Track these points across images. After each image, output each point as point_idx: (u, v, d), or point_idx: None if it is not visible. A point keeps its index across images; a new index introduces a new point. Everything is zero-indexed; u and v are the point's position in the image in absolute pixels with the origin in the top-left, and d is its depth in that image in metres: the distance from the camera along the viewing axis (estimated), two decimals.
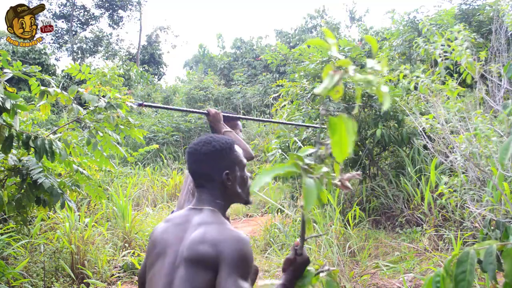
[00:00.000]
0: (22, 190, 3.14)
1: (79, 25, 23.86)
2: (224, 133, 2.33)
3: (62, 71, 16.41)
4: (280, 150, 5.14)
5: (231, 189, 1.47)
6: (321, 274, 1.32)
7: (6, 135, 2.67)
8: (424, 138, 3.79)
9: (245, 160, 1.54)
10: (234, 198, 1.51)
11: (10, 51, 14.41)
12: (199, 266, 1.31)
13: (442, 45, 3.30)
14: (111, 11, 23.85)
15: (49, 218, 4.84)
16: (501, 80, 3.45)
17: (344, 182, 1.09)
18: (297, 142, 5.08)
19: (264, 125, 11.20)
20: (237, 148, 1.52)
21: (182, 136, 12.14)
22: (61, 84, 13.93)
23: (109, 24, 24.28)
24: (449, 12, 7.65)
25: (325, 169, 0.99)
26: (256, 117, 13.57)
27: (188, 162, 1.49)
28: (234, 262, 1.28)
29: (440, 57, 3.35)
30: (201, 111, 2.58)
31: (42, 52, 15.63)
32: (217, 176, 1.44)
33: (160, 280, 1.35)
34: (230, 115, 2.69)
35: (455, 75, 3.56)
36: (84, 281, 4.19)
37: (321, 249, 3.63)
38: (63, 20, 23.48)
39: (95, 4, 23.74)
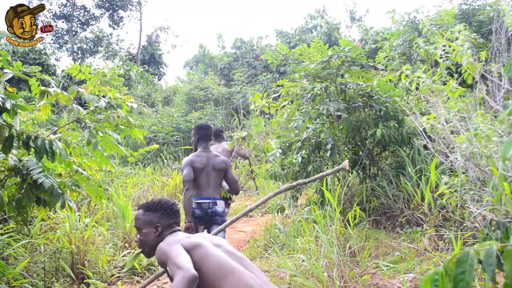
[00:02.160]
0: (22, 190, 3.14)
1: (79, 25, 23.86)
2: None
3: (62, 71, 16.41)
4: (280, 150, 5.14)
5: None
6: None
7: (6, 135, 2.67)
8: (425, 138, 3.79)
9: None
10: None
11: (10, 51, 14.41)
12: None
13: (443, 46, 3.30)
14: (111, 11, 23.84)
15: (49, 218, 4.83)
16: (501, 80, 3.45)
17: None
18: (297, 142, 5.08)
19: (264, 125, 11.20)
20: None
21: (182, 136, 12.14)
22: (61, 84, 13.94)
23: (109, 24, 24.27)
24: (449, 12, 7.64)
25: None
26: (256, 116, 13.55)
27: None
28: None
29: (441, 57, 3.35)
30: None
31: (42, 52, 15.63)
32: None
33: None
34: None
35: (456, 75, 3.56)
36: (85, 281, 4.19)
37: (322, 249, 3.63)
38: (63, 20, 23.47)
39: (95, 4, 23.73)
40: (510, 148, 1.03)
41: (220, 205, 3.96)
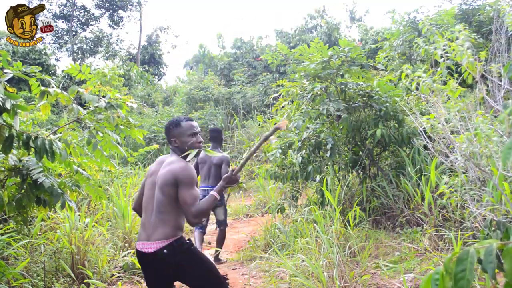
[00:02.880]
0: (23, 190, 3.14)
1: (79, 25, 23.87)
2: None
3: (62, 71, 16.42)
4: (280, 150, 5.14)
5: (179, 146, 2.60)
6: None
7: (7, 135, 2.67)
8: (425, 138, 3.79)
9: (189, 131, 2.61)
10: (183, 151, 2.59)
11: (10, 51, 14.41)
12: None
13: (444, 45, 3.30)
14: (111, 11, 23.86)
15: (49, 218, 4.83)
16: (501, 80, 3.45)
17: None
18: (297, 142, 5.08)
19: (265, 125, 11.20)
20: (183, 124, 2.61)
21: None
22: (61, 85, 13.94)
23: (109, 24, 24.30)
24: (449, 12, 7.65)
25: None
26: (257, 116, 13.62)
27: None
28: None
29: (441, 57, 3.35)
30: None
31: (42, 53, 15.63)
32: (171, 140, 2.63)
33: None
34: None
35: (456, 75, 3.57)
36: (85, 281, 4.19)
37: (322, 249, 3.63)
38: (63, 20, 23.49)
39: (95, 5, 23.75)
40: (510, 154, 1.03)
41: None
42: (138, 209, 2.67)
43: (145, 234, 2.44)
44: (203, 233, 5.18)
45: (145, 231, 2.45)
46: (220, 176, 4.97)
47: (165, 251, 2.38)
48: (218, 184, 2.54)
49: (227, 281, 2.64)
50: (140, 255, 2.45)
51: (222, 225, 5.17)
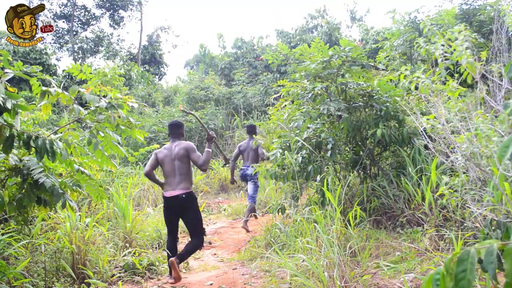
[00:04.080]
0: (23, 190, 3.14)
1: (80, 25, 23.87)
2: (205, 150, 4.53)
3: (63, 71, 16.41)
4: (280, 150, 5.13)
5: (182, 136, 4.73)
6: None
7: (7, 135, 2.68)
8: (425, 138, 3.79)
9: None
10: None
11: (11, 51, 14.42)
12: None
13: (442, 45, 3.30)
14: (112, 11, 23.85)
15: (50, 218, 4.84)
16: (502, 80, 3.45)
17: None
18: (298, 142, 5.08)
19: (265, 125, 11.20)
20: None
21: None
22: (62, 84, 13.94)
23: (110, 24, 24.29)
24: (450, 12, 7.65)
25: None
26: (257, 117, 13.64)
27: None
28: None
29: (441, 57, 3.35)
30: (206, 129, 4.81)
31: (43, 52, 15.63)
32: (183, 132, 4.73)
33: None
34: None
35: (456, 75, 3.56)
36: (85, 281, 4.20)
37: (322, 249, 3.63)
38: (63, 20, 23.49)
39: (96, 4, 23.75)
40: (506, 152, 1.03)
41: (250, 170, 6.62)
42: (151, 173, 4.52)
43: (172, 187, 4.38)
44: (254, 203, 6.87)
45: (171, 186, 4.38)
46: (256, 158, 6.92)
47: (183, 196, 4.33)
48: (207, 143, 4.54)
49: (205, 231, 4.62)
50: (168, 198, 4.37)
51: (251, 198, 6.83)
